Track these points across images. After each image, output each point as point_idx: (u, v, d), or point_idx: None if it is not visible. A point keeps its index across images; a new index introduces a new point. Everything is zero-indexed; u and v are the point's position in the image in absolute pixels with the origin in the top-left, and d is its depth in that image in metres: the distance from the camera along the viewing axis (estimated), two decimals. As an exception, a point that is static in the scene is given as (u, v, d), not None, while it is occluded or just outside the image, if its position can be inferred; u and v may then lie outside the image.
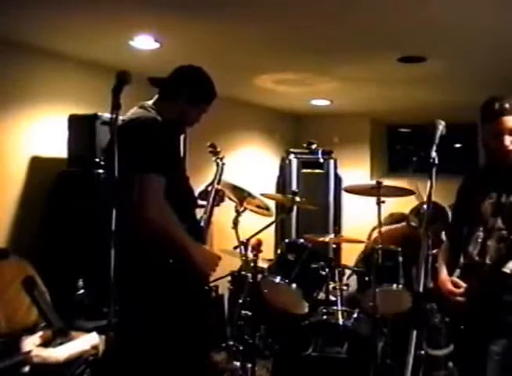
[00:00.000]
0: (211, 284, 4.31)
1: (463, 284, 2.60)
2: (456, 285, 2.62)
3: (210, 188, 3.20)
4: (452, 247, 2.83)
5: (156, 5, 3.33)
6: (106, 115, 3.98)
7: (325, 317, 4.00)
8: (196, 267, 2.62)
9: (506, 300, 2.50)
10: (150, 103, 2.77)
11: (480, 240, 2.61)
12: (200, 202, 3.09)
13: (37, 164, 4.26)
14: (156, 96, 2.80)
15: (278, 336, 4.39)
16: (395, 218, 5.28)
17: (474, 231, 2.65)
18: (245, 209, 4.01)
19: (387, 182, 5.25)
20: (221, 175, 3.33)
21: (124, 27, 3.77)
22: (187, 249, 2.59)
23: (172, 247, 2.56)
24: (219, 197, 3.22)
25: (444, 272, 2.72)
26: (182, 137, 3.35)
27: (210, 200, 3.13)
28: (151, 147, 2.52)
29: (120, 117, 2.52)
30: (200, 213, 2.99)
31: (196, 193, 3.08)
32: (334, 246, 4.51)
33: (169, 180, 2.53)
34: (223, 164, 3.38)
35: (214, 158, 3.42)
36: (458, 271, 2.73)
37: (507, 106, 2.53)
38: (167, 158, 2.58)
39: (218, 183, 3.26)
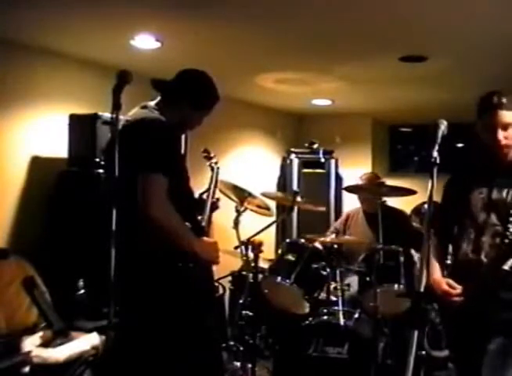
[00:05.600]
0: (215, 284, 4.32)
1: (458, 286, 2.54)
2: (450, 286, 2.56)
3: (205, 195, 3.21)
4: (440, 243, 2.74)
5: (157, 4, 3.32)
6: (107, 115, 3.96)
7: (326, 317, 4.00)
8: (202, 260, 2.66)
9: (505, 297, 2.46)
10: (153, 103, 2.78)
11: (472, 237, 2.57)
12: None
13: (38, 164, 4.26)
14: (158, 98, 2.81)
15: (278, 336, 4.39)
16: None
17: (465, 227, 2.60)
18: (246, 209, 4.00)
19: (389, 181, 5.27)
20: (216, 180, 3.34)
21: (125, 27, 3.77)
22: (192, 245, 2.62)
23: (175, 245, 2.57)
24: (215, 207, 3.24)
25: (437, 272, 2.64)
26: (183, 137, 3.35)
27: (208, 204, 3.13)
28: (155, 148, 2.53)
29: (123, 117, 2.53)
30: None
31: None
32: (335, 246, 4.50)
33: (171, 180, 2.53)
34: (218, 168, 3.40)
35: (208, 163, 3.44)
36: (450, 267, 2.68)
37: (504, 100, 2.50)
38: (170, 159, 2.59)
39: (215, 187, 3.28)
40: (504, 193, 2.54)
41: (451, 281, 2.57)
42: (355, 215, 5.05)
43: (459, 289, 2.53)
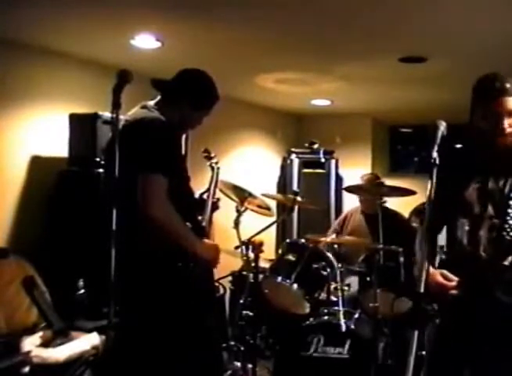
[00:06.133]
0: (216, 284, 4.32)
1: (454, 277, 2.38)
2: (446, 278, 2.39)
3: (206, 195, 3.21)
4: (431, 238, 2.56)
5: (158, 4, 3.32)
6: (107, 114, 3.96)
7: (326, 318, 3.99)
8: (203, 262, 2.67)
9: (503, 300, 2.36)
10: (152, 103, 2.77)
11: (467, 228, 2.44)
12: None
13: (38, 164, 4.25)
14: (158, 97, 2.81)
15: (279, 336, 4.39)
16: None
17: (458, 217, 2.47)
18: (246, 209, 4.00)
19: (389, 182, 5.27)
20: (217, 180, 3.35)
21: (126, 26, 3.76)
22: (192, 247, 2.62)
23: (176, 245, 2.57)
24: (215, 207, 3.25)
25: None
26: (183, 137, 3.36)
27: (209, 205, 3.14)
28: (155, 148, 2.53)
29: (123, 117, 2.53)
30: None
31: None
32: (336, 246, 4.51)
33: (171, 181, 2.53)
34: (218, 168, 3.41)
35: (208, 163, 3.46)
36: (439, 258, 2.54)
37: (508, 86, 2.39)
38: (170, 159, 2.58)
39: (215, 187, 3.29)
40: (501, 184, 2.44)
41: (445, 272, 2.41)
42: (353, 214, 5.06)
43: (455, 281, 2.38)
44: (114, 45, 4.18)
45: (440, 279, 2.39)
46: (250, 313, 4.07)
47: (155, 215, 2.48)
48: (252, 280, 4.10)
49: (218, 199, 3.32)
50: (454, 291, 2.37)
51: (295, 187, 6.18)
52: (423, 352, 2.16)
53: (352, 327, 3.88)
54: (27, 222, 4.15)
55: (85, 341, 3.43)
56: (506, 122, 2.39)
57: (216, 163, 3.47)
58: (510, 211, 2.38)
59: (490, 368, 2.41)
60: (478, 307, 2.38)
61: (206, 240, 2.78)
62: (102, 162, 3.79)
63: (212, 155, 3.49)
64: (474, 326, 2.40)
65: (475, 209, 2.45)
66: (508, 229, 2.35)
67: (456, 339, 2.45)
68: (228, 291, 4.95)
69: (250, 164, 6.70)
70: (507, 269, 2.33)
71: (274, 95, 6.11)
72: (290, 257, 4.18)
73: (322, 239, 4.30)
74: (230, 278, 4.94)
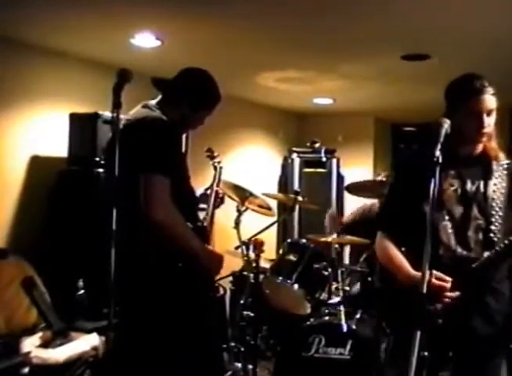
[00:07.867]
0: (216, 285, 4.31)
1: (448, 278, 2.25)
2: (439, 279, 2.25)
3: (209, 191, 3.21)
4: (392, 238, 2.49)
5: (158, 2, 3.31)
6: (108, 114, 3.95)
7: (327, 318, 3.98)
8: (202, 268, 2.63)
9: (493, 307, 2.33)
10: (154, 102, 2.75)
11: (450, 230, 2.36)
12: (201, 205, 3.09)
13: (37, 163, 4.25)
14: (159, 97, 2.79)
15: (280, 337, 4.37)
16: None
17: (439, 219, 2.33)
18: (247, 209, 3.99)
19: (391, 181, 5.22)
20: (219, 178, 3.34)
21: (125, 25, 3.75)
22: (195, 250, 2.60)
23: (178, 248, 2.55)
24: (219, 200, 3.23)
25: (410, 268, 2.33)
26: (184, 136, 3.35)
27: (211, 202, 3.13)
28: (157, 148, 2.51)
29: (124, 116, 2.51)
30: (201, 215, 2.98)
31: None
32: (337, 246, 4.48)
33: (173, 181, 2.51)
34: (221, 167, 3.42)
35: (211, 162, 3.45)
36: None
37: (487, 84, 2.41)
38: (172, 159, 2.56)
39: (218, 186, 3.28)
40: (481, 185, 2.39)
41: (438, 273, 2.25)
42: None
43: (449, 281, 2.26)
44: (114, 44, 4.17)
45: (436, 282, 2.24)
46: (251, 314, 4.07)
47: (158, 218, 2.45)
48: (253, 281, 4.09)
49: (223, 194, 3.32)
50: (451, 294, 2.27)
51: (296, 187, 6.16)
52: (425, 353, 2.12)
53: (354, 327, 3.86)
54: (27, 222, 4.14)
55: (85, 342, 3.43)
56: (487, 121, 2.37)
57: (219, 162, 3.47)
58: (493, 212, 2.35)
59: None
60: (472, 312, 2.32)
61: (210, 248, 2.77)
62: (102, 162, 3.78)
63: (215, 154, 3.49)
64: (466, 330, 2.33)
65: (456, 210, 2.39)
66: (496, 231, 2.32)
67: (446, 343, 2.35)
68: (228, 292, 4.93)
69: (251, 163, 6.69)
70: (496, 271, 2.30)
71: (275, 94, 6.10)
72: (291, 257, 4.17)
73: (323, 239, 4.28)
74: (230, 278, 4.91)
